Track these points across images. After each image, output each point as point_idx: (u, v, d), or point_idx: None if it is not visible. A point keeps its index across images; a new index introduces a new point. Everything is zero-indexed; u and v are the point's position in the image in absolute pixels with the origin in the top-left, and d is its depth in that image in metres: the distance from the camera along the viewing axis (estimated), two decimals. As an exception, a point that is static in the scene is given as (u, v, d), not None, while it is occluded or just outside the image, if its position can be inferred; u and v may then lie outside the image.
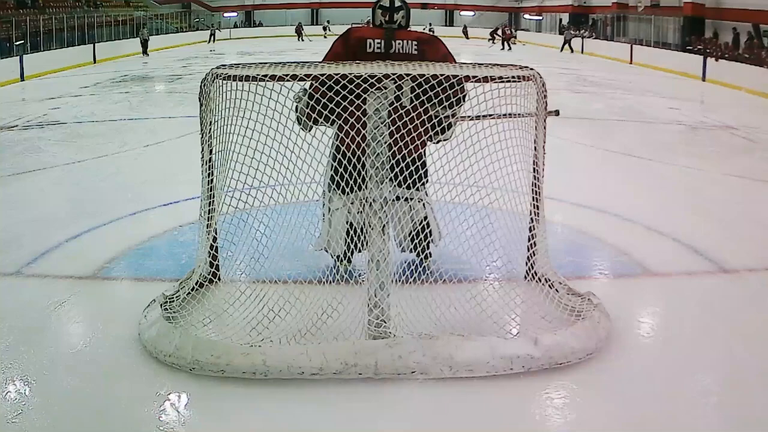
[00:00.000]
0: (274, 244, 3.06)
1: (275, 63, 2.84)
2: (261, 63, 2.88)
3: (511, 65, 3.00)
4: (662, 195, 5.55)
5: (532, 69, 3.14)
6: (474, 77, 2.90)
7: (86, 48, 19.13)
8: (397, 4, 3.30)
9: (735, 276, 3.85)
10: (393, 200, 2.90)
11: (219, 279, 3.35)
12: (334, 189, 3.21)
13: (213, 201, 3.13)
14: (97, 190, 5.54)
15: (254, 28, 35.10)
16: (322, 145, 2.98)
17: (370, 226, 2.81)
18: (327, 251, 3.48)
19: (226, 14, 36.87)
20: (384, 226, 2.81)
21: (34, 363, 2.81)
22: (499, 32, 27.39)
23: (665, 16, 22.43)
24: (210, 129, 3.14)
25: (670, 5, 22.04)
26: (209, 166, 3.16)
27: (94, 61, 18.78)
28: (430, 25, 30.70)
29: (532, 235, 3.35)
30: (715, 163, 6.81)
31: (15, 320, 3.19)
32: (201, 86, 3.09)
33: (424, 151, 3.14)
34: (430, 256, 3.53)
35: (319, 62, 2.92)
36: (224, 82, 2.95)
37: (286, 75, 2.73)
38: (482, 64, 2.93)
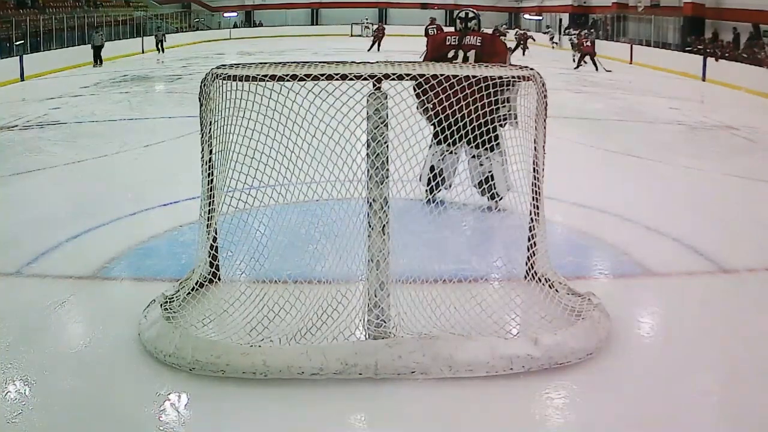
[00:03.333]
0: (274, 244, 3.06)
1: (275, 63, 2.85)
2: (261, 63, 2.89)
3: (511, 65, 3.00)
4: (662, 195, 5.55)
5: (532, 69, 3.14)
6: (474, 77, 2.91)
7: (86, 48, 19.13)
8: (470, 16, 4.72)
9: (735, 276, 3.86)
10: (470, 158, 4.38)
11: (219, 279, 3.35)
12: (433, 141, 4.11)
13: (213, 201, 3.13)
14: (97, 190, 5.54)
15: (254, 28, 35.07)
16: (322, 145, 2.98)
17: (451, 169, 4.15)
18: (420, 182, 4.23)
19: (226, 14, 36.84)
20: (384, 225, 2.81)
21: (34, 363, 2.81)
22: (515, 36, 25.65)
23: (665, 16, 22.41)
24: (210, 129, 3.14)
25: (670, 5, 22.03)
26: (209, 166, 3.16)
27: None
28: (504, 26, 30.25)
29: (532, 235, 3.35)
30: (715, 163, 6.81)
31: (15, 320, 3.19)
32: (201, 86, 3.10)
33: (493, 122, 3.57)
34: (497, 203, 4.43)
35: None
36: (224, 82, 2.95)
37: (286, 75, 2.73)
38: (482, 64, 2.93)
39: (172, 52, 23.28)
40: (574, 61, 18.30)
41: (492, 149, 4.02)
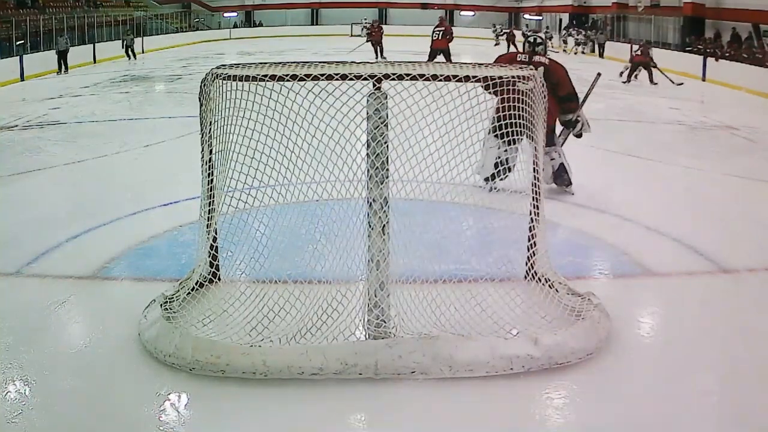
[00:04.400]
0: (274, 244, 3.06)
1: (275, 63, 2.85)
2: (261, 63, 2.89)
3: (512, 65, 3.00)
4: (662, 195, 5.55)
5: (532, 69, 3.14)
6: (474, 77, 2.91)
7: (86, 48, 19.12)
8: (539, 41, 5.41)
9: (735, 276, 3.86)
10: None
11: (219, 279, 3.35)
12: (492, 134, 4.23)
13: (213, 201, 3.13)
14: (97, 190, 5.54)
15: (254, 28, 35.06)
16: (322, 145, 2.98)
17: (509, 162, 4.33)
18: (479, 174, 4.51)
19: (226, 14, 36.82)
20: (384, 225, 2.81)
21: (34, 363, 2.81)
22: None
23: (665, 16, 22.41)
24: (210, 129, 3.14)
25: (670, 5, 22.02)
26: (209, 166, 3.16)
27: (94, 61, 18.78)
28: (500, 26, 29.89)
29: (532, 235, 3.35)
30: (715, 163, 6.81)
31: (15, 320, 3.19)
32: (201, 86, 3.10)
33: (555, 124, 5.05)
34: (568, 188, 5.27)
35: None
36: (224, 82, 2.95)
37: (286, 75, 2.73)
38: (482, 64, 2.94)
39: (172, 53, 23.23)
40: (621, 75, 14.61)
41: (554, 144, 5.16)
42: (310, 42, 26.12)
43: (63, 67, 16.01)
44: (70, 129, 8.71)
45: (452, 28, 15.85)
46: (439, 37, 14.27)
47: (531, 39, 5.46)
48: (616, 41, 23.85)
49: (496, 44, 25.93)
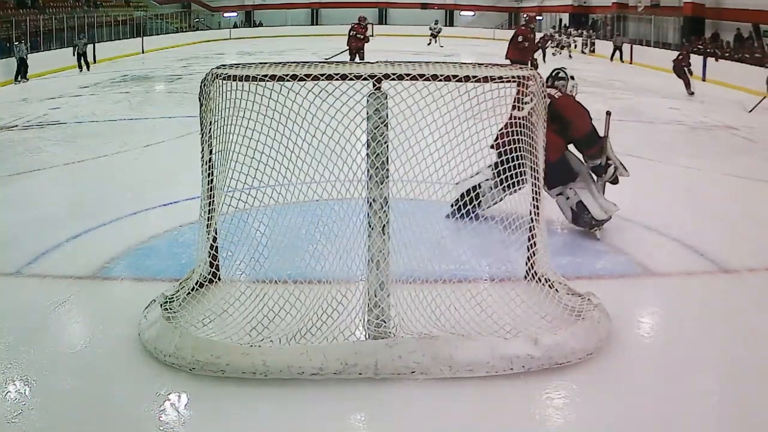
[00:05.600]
0: (274, 244, 3.06)
1: (275, 63, 2.85)
2: (261, 63, 2.89)
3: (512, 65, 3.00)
4: (662, 195, 5.55)
5: (531, 69, 3.14)
6: (474, 77, 2.91)
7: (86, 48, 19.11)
8: (560, 76, 4.65)
9: (735, 276, 3.86)
10: (557, 196, 4.40)
11: (219, 279, 3.35)
12: (493, 170, 4.07)
13: (213, 201, 3.13)
14: (97, 190, 5.54)
15: (254, 28, 35.04)
16: (322, 145, 2.98)
17: (491, 201, 4.33)
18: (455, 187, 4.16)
19: (226, 14, 36.81)
20: (384, 225, 2.81)
21: (34, 363, 2.81)
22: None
23: (665, 16, 22.40)
24: (210, 129, 3.14)
25: (670, 5, 22.01)
26: (209, 166, 3.16)
27: (94, 61, 18.75)
28: (566, 27, 26.92)
29: (532, 235, 3.35)
30: (715, 163, 6.81)
31: (15, 320, 3.19)
32: (201, 86, 3.10)
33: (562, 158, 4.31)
34: (599, 229, 4.39)
35: (324, 62, 2.96)
36: (224, 82, 2.95)
37: (286, 75, 2.73)
38: (482, 64, 2.94)
39: (172, 52, 23.19)
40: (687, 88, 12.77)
41: (569, 180, 4.38)
42: (310, 42, 26.10)
43: (22, 75, 14.39)
44: (70, 129, 8.70)
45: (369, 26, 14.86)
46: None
47: (553, 73, 4.76)
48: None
49: (428, 43, 23.30)
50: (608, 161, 4.47)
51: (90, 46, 17.80)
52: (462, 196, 4.18)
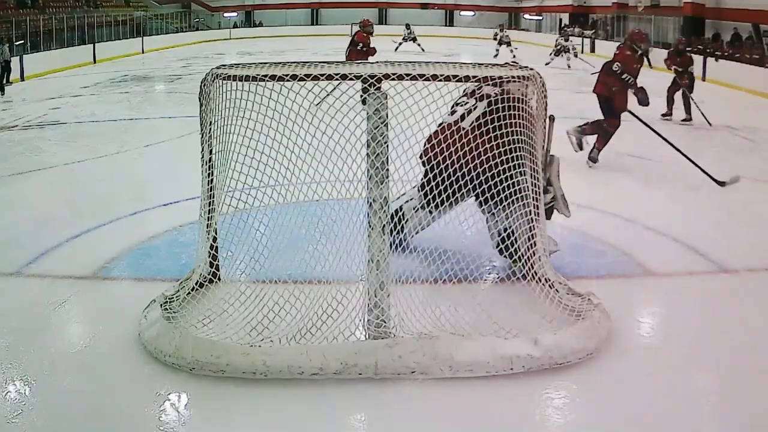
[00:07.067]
0: (274, 244, 3.06)
1: (275, 63, 2.85)
2: (261, 63, 2.89)
3: (511, 65, 3.00)
4: (662, 195, 5.55)
5: (531, 69, 3.14)
6: (474, 77, 2.91)
7: (86, 48, 19.09)
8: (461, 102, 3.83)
9: (735, 276, 3.86)
10: (488, 215, 3.64)
11: (219, 279, 3.35)
12: (420, 192, 3.64)
13: (213, 201, 3.13)
14: (97, 190, 5.54)
15: (254, 28, 35.04)
16: (322, 145, 2.98)
17: (419, 227, 3.66)
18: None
19: (226, 14, 36.80)
20: (384, 226, 2.81)
21: (34, 363, 2.81)
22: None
23: (665, 16, 22.40)
24: (210, 129, 3.15)
25: (670, 5, 22.02)
26: (209, 166, 3.16)
27: (94, 61, 18.75)
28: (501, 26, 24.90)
29: (532, 235, 3.35)
30: (715, 163, 6.80)
31: (15, 320, 3.19)
32: (201, 86, 3.10)
33: (507, 172, 3.24)
34: (521, 265, 3.34)
35: (325, 62, 2.95)
36: (224, 82, 2.96)
37: (286, 75, 2.73)
38: (482, 64, 2.94)
39: (172, 53, 23.17)
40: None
41: (508, 202, 3.37)
42: (310, 42, 26.10)
43: (3, 81, 12.37)
44: (70, 129, 8.70)
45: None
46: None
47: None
48: (615, 41, 23.77)
49: (495, 55, 19.91)
50: (548, 186, 3.64)
51: (16, 58, 13.90)
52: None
